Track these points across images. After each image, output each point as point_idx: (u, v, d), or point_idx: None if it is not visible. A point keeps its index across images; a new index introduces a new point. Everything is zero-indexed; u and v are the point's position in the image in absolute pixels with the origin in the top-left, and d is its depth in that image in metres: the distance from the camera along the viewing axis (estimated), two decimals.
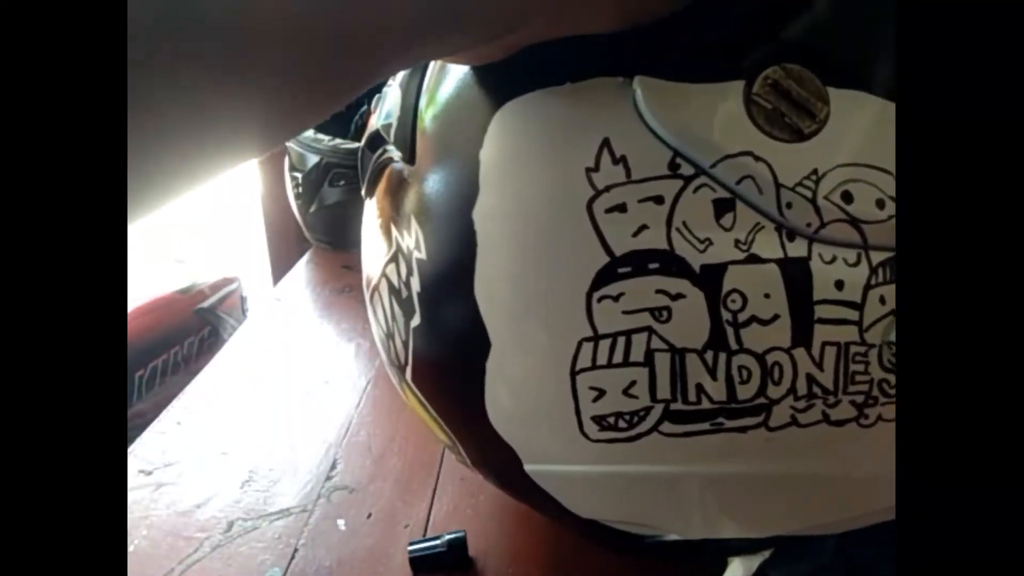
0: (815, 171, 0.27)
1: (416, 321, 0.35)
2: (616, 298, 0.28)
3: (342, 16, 0.21)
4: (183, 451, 0.57)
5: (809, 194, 0.27)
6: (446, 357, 0.34)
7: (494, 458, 0.35)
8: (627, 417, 0.30)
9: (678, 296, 0.28)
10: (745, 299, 0.27)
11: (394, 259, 0.35)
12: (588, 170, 0.28)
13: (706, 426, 0.29)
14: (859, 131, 0.27)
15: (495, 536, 0.47)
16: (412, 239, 0.34)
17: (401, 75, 0.37)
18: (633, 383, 0.29)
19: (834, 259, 0.27)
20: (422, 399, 0.38)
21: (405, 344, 0.36)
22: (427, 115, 0.34)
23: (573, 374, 0.30)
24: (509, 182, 0.30)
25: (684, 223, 0.27)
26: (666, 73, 0.27)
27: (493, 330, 0.31)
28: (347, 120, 0.86)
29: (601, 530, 0.35)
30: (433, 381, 0.36)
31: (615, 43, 0.28)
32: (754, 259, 0.27)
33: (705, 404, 0.29)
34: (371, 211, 0.39)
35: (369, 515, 0.50)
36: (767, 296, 0.27)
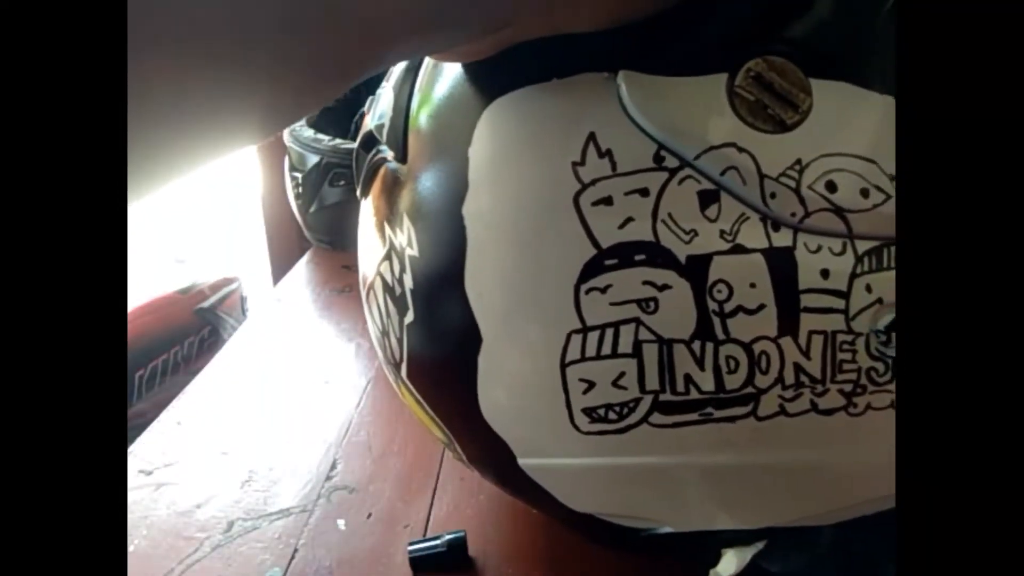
0: (799, 161, 0.27)
1: (410, 318, 0.35)
2: (604, 290, 0.28)
3: (338, 4, 0.22)
4: (183, 451, 0.57)
5: (793, 184, 0.27)
6: (439, 353, 0.35)
7: (489, 453, 0.35)
8: (617, 408, 0.30)
9: (664, 287, 0.28)
10: (731, 289, 0.28)
11: (388, 257, 0.36)
12: (574, 164, 0.28)
13: (695, 416, 0.29)
14: (842, 121, 0.27)
15: (495, 536, 0.47)
16: (405, 236, 0.34)
17: (394, 76, 0.37)
18: (622, 374, 0.29)
19: (819, 248, 0.27)
20: (417, 396, 0.38)
21: (400, 341, 0.36)
22: (419, 115, 0.34)
23: (563, 366, 0.30)
24: (498, 178, 0.30)
25: (669, 215, 0.28)
26: (650, 68, 0.27)
27: (484, 325, 0.31)
28: (347, 120, 0.86)
29: (597, 525, 0.35)
30: (427, 377, 0.37)
31: (601, 40, 0.28)
32: (739, 249, 0.27)
33: (693, 394, 0.29)
34: (366, 211, 0.40)
35: (369, 515, 0.50)
36: (753, 286, 0.28)
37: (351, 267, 0.87)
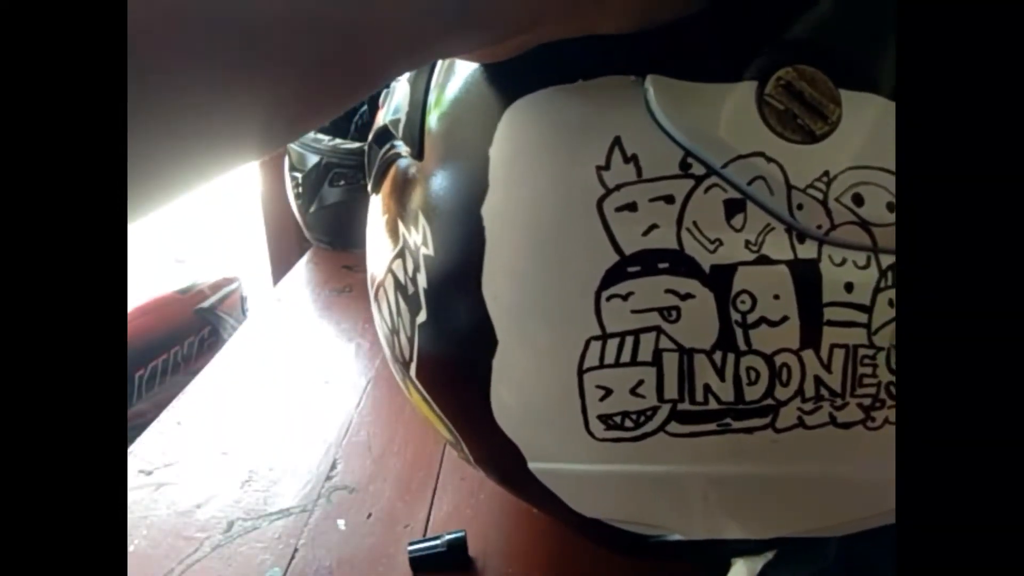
0: (826, 173, 0.27)
1: (422, 317, 0.34)
2: (625, 297, 0.28)
3: (351, 15, 0.21)
4: (183, 451, 0.57)
5: (820, 196, 0.27)
6: (452, 354, 0.34)
7: (498, 456, 0.35)
8: (634, 416, 0.30)
9: (687, 296, 0.28)
10: (754, 300, 0.27)
11: (400, 255, 0.35)
12: (599, 168, 0.28)
13: (713, 427, 0.29)
14: (871, 133, 0.27)
15: (495, 536, 0.47)
16: (419, 235, 0.34)
17: None
18: (640, 382, 0.29)
19: (844, 261, 0.27)
20: (426, 396, 0.38)
21: (410, 340, 0.36)
22: (436, 111, 0.34)
23: (580, 373, 0.30)
24: (519, 179, 0.30)
25: (694, 223, 0.27)
26: (679, 72, 0.27)
27: (500, 328, 0.31)
28: (347, 120, 0.86)
29: (604, 529, 0.35)
30: (438, 378, 0.36)
31: (628, 41, 0.28)
32: (764, 260, 0.27)
33: (712, 405, 0.29)
34: (377, 207, 0.39)
35: (369, 515, 0.49)
36: (776, 297, 0.27)
37: (351, 267, 0.87)
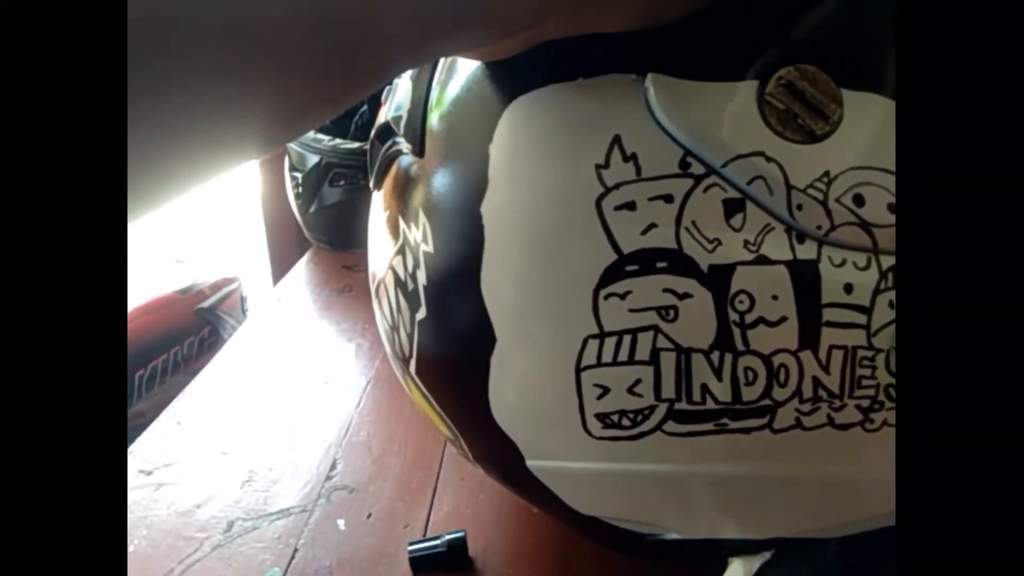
0: (827, 173, 0.27)
1: (421, 314, 0.35)
2: (623, 296, 0.28)
3: (353, 13, 0.21)
4: (183, 451, 0.57)
5: (820, 196, 0.27)
6: (451, 351, 0.34)
7: (496, 453, 0.35)
8: (631, 415, 0.30)
9: (685, 296, 0.28)
10: (753, 300, 0.27)
11: (401, 252, 0.35)
12: (598, 167, 0.28)
13: (710, 426, 0.29)
14: (872, 134, 0.27)
15: (495, 536, 0.47)
16: (419, 232, 0.34)
17: None
18: (638, 381, 0.29)
19: (843, 262, 0.27)
20: (425, 392, 0.38)
21: (410, 337, 0.36)
22: (437, 108, 0.34)
23: (578, 371, 0.30)
24: (519, 177, 0.30)
25: (693, 222, 0.27)
26: (679, 71, 0.27)
27: (499, 325, 0.31)
28: (347, 120, 0.86)
29: (601, 528, 0.35)
30: (437, 375, 0.36)
31: (629, 40, 0.28)
32: (763, 260, 0.27)
33: (710, 404, 0.29)
34: (378, 204, 0.39)
35: (369, 515, 0.49)
36: (775, 298, 0.27)
37: (351, 267, 0.87)
